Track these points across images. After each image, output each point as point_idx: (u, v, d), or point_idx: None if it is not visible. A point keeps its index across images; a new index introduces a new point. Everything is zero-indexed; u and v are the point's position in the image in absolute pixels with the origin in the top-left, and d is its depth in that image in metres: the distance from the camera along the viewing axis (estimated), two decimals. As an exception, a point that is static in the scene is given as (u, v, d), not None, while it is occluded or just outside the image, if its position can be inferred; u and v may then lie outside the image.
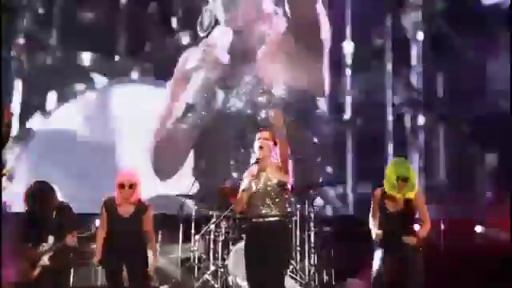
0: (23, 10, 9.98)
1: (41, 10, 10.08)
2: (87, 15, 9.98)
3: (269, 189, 5.60)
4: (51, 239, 6.44)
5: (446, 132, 9.42)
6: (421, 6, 9.65)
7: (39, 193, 6.52)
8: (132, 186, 6.05)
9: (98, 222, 6.68)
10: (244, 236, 6.16)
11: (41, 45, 9.93)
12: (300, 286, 7.58)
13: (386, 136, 9.48)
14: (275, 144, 5.64)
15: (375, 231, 5.88)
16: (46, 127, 9.75)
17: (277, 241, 5.53)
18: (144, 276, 6.12)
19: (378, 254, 5.88)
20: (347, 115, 9.66)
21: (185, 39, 9.90)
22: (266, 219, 5.58)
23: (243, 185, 5.66)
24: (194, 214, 8.25)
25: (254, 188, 5.61)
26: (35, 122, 9.73)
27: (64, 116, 9.77)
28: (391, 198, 5.86)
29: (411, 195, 5.82)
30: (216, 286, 7.72)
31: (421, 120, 9.52)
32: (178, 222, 8.21)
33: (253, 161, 5.68)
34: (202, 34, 9.62)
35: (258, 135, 5.70)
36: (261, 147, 5.64)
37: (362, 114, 9.60)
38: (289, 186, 5.67)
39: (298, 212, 7.90)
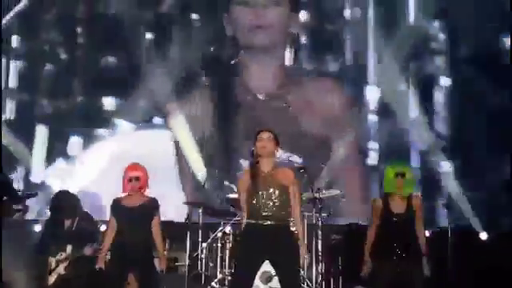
0: (45, 54, 9.99)
1: (63, 55, 10.07)
2: (110, 59, 9.95)
3: (271, 191, 5.29)
4: (69, 248, 6.51)
5: (472, 178, 9.34)
6: (445, 51, 9.62)
7: (62, 202, 6.61)
8: (138, 178, 6.15)
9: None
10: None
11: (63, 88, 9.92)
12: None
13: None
14: (277, 144, 5.40)
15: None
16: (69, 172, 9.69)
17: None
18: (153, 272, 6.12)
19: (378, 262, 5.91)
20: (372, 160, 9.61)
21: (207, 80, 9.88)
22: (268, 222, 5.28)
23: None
24: (200, 221, 8.12)
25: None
26: (58, 167, 9.69)
27: (87, 161, 9.74)
28: (394, 202, 5.91)
29: (411, 190, 5.94)
30: (223, 294, 7.65)
31: (446, 166, 9.45)
32: (185, 230, 8.11)
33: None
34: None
35: (259, 135, 5.38)
36: (264, 147, 5.32)
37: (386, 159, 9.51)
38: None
39: (305, 220, 7.71)
